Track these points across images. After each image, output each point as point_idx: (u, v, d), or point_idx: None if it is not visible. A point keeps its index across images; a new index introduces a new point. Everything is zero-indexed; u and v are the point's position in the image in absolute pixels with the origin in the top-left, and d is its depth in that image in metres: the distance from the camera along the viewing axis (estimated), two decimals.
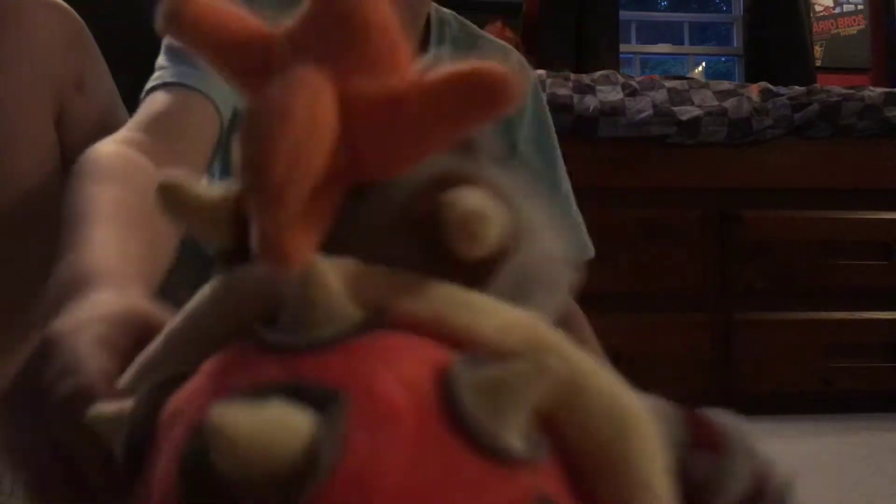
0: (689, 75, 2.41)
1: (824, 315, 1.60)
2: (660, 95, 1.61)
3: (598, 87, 1.61)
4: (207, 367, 0.23)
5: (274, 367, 0.21)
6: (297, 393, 0.19)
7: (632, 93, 1.61)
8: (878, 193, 1.65)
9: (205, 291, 0.27)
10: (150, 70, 1.61)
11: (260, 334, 0.22)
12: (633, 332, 1.53)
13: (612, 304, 1.55)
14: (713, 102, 1.62)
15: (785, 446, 1.20)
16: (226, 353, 0.23)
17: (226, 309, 0.26)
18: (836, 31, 2.97)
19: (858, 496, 0.89)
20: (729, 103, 1.61)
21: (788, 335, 1.58)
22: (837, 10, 2.99)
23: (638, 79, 1.69)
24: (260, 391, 0.19)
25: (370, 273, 0.24)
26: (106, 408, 0.24)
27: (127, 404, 0.24)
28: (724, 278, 1.60)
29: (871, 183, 1.64)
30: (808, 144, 1.64)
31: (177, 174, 0.27)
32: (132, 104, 1.78)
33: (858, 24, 2.98)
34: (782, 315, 1.59)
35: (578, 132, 1.57)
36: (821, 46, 2.94)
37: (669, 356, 1.52)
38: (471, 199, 0.23)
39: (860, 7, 2.99)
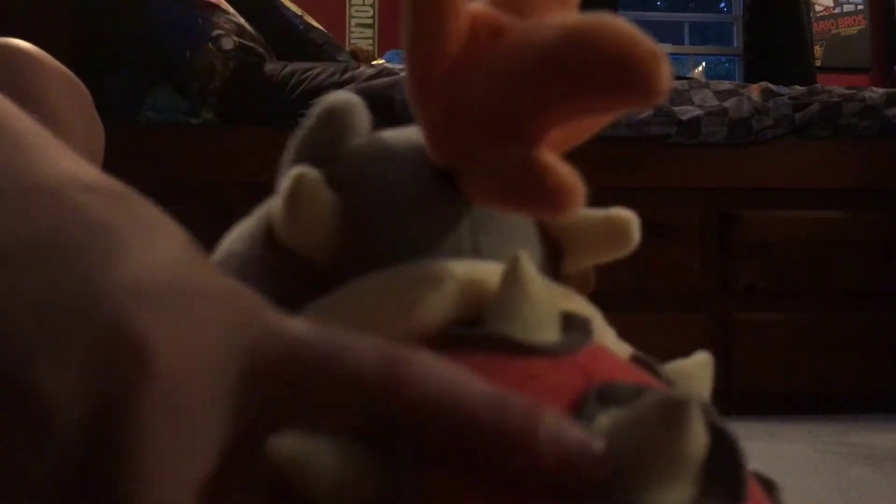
0: (689, 75, 2.41)
1: (824, 315, 1.60)
2: None
3: None
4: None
5: (567, 373, 0.21)
6: (609, 396, 0.20)
7: None
8: (878, 193, 1.65)
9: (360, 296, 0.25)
10: (151, 70, 1.62)
11: (499, 337, 0.22)
12: (633, 331, 1.52)
13: (612, 303, 1.55)
14: (713, 102, 1.62)
15: (785, 446, 1.20)
16: (458, 357, 0.21)
17: (413, 316, 0.24)
18: (836, 31, 2.98)
19: (858, 496, 0.89)
20: (729, 103, 1.61)
21: (788, 335, 1.58)
22: (837, 10, 2.99)
23: None
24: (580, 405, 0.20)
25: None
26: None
27: None
28: (724, 278, 1.60)
29: (871, 183, 1.64)
30: (808, 144, 1.64)
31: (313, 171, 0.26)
32: (133, 104, 1.78)
33: (858, 24, 2.98)
34: (782, 315, 1.59)
35: None
36: (821, 46, 2.95)
37: (669, 356, 1.51)
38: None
39: (860, 7, 2.99)
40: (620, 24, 0.20)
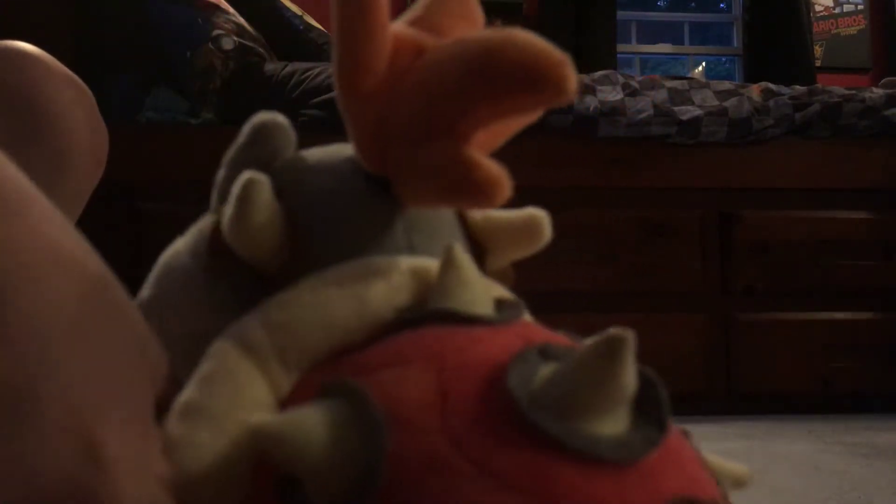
0: (689, 75, 2.42)
1: (824, 315, 1.60)
2: (660, 95, 1.61)
3: (598, 87, 1.61)
4: (419, 349, 0.24)
5: (508, 337, 0.24)
6: (548, 352, 0.23)
7: (632, 93, 1.60)
8: (878, 193, 1.65)
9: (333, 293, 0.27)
10: (151, 70, 1.62)
11: (441, 311, 0.25)
12: (633, 331, 1.52)
13: (612, 303, 1.55)
14: (713, 102, 1.62)
15: (785, 446, 1.20)
16: (419, 334, 0.24)
17: (375, 303, 0.26)
18: (836, 31, 2.98)
19: (858, 497, 0.89)
20: (729, 103, 1.61)
21: (788, 335, 1.58)
22: (837, 10, 2.99)
23: (638, 79, 1.69)
24: (524, 355, 0.23)
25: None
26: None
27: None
28: (724, 278, 1.60)
29: (871, 183, 1.64)
30: (808, 144, 1.64)
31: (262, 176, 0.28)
32: (133, 104, 1.78)
33: (858, 24, 2.98)
34: (782, 315, 1.59)
35: (578, 132, 1.57)
36: (821, 46, 2.95)
37: (669, 356, 1.52)
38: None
39: (860, 7, 2.99)
40: (531, 36, 0.24)
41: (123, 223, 1.44)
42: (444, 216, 0.32)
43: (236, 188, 0.27)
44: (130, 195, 1.45)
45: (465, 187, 0.25)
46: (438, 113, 0.25)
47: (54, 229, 0.22)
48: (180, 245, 0.34)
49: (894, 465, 1.06)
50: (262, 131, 0.32)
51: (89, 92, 0.58)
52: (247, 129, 0.32)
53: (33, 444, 0.18)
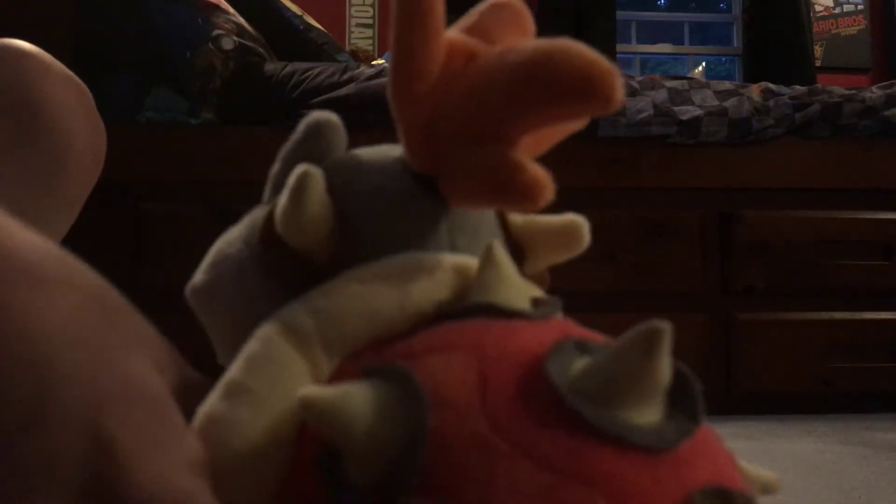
0: (689, 75, 2.41)
1: (824, 315, 1.60)
2: (660, 95, 1.61)
3: None
4: (461, 338, 0.25)
5: (546, 331, 0.25)
6: (584, 346, 0.24)
7: (632, 93, 1.60)
8: (878, 193, 1.65)
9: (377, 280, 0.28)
10: (151, 70, 1.62)
11: (481, 305, 0.26)
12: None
13: (612, 304, 1.55)
14: (713, 102, 1.62)
15: (785, 446, 1.20)
16: (462, 326, 0.25)
17: (417, 296, 0.28)
18: (836, 31, 2.98)
19: (858, 497, 0.89)
20: (729, 103, 1.61)
21: (788, 335, 1.58)
22: (837, 10, 2.99)
23: (638, 79, 1.69)
24: (562, 348, 0.24)
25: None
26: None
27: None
28: (724, 278, 1.60)
29: (871, 183, 1.64)
30: (808, 144, 1.64)
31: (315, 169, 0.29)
32: (133, 104, 1.78)
33: (858, 24, 2.99)
34: (782, 315, 1.59)
35: (578, 132, 1.56)
36: (821, 46, 2.95)
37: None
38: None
39: (860, 7, 2.99)
40: (581, 46, 0.25)
41: (123, 223, 1.44)
42: (486, 218, 0.33)
43: (291, 179, 0.28)
44: (130, 195, 1.45)
45: (511, 189, 0.26)
46: (488, 118, 0.27)
47: (41, 243, 0.23)
48: (235, 233, 0.34)
49: (894, 465, 1.06)
50: (316, 129, 0.33)
51: (88, 92, 0.58)
52: (301, 126, 0.33)
53: (50, 441, 0.20)
